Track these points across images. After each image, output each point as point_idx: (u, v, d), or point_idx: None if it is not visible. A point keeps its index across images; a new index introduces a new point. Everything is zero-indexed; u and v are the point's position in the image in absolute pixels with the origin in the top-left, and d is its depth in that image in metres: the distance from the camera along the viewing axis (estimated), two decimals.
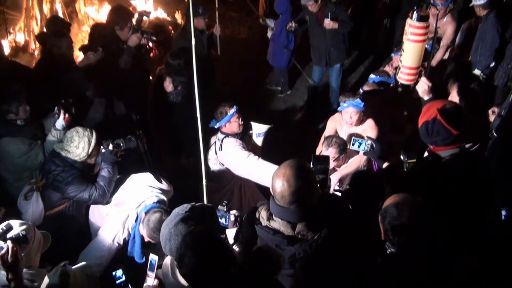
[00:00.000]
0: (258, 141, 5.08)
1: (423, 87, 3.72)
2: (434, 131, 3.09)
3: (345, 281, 2.52)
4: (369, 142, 3.49)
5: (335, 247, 2.46)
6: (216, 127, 4.81)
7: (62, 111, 4.19)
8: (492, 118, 4.64)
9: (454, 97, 4.00)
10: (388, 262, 2.51)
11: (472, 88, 4.44)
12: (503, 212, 3.48)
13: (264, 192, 4.90)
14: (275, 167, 4.29)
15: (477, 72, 6.54)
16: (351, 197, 3.13)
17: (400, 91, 5.19)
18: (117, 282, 2.94)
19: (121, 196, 4.03)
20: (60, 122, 4.20)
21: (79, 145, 3.87)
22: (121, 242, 3.88)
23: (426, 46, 4.11)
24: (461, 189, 3.05)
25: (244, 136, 4.96)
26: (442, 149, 3.15)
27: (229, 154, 4.72)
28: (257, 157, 4.63)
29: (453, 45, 6.45)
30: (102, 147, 4.00)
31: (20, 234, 2.78)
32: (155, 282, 2.95)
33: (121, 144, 4.10)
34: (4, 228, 2.77)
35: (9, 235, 2.74)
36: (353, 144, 3.48)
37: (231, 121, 4.75)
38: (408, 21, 3.68)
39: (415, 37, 3.67)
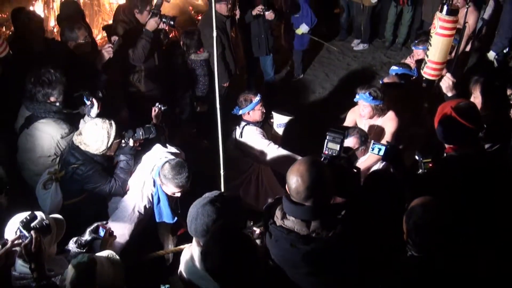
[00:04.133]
0: (279, 131, 5.11)
1: (447, 83, 3.71)
2: (450, 129, 3.14)
3: (360, 279, 2.55)
4: (389, 148, 3.39)
5: (350, 244, 2.49)
6: (239, 114, 4.83)
7: (93, 100, 4.09)
8: None
9: (477, 97, 3.93)
10: (408, 263, 2.55)
11: (496, 86, 4.35)
12: None
13: (282, 182, 4.93)
14: (295, 156, 4.41)
15: (491, 54, 6.33)
16: (368, 197, 3.12)
17: (424, 86, 5.11)
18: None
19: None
20: (94, 111, 4.10)
21: (98, 138, 3.80)
22: (142, 211, 3.92)
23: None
24: (480, 188, 3.06)
25: (264, 125, 4.98)
26: (460, 148, 3.17)
27: (250, 142, 4.76)
28: (277, 146, 4.67)
29: (474, 36, 6.27)
30: (123, 141, 3.99)
31: (44, 224, 2.78)
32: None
33: (141, 133, 4.10)
34: (28, 217, 2.76)
35: (33, 224, 2.74)
36: (372, 149, 3.44)
37: (255, 109, 4.78)
38: (438, 14, 3.62)
39: (444, 31, 3.61)
